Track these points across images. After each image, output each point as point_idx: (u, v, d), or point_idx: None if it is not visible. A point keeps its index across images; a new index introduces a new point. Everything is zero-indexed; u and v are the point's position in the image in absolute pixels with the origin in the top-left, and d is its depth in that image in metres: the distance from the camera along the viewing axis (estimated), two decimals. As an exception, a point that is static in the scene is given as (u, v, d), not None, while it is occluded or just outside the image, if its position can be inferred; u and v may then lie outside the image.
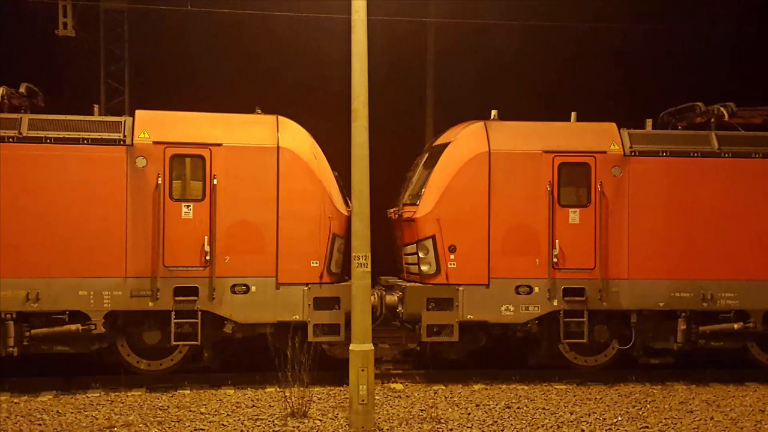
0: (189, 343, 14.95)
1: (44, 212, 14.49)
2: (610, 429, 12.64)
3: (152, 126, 15.00)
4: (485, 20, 21.91)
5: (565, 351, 15.95)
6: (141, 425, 12.51)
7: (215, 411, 13.38)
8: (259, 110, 15.87)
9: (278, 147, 15.14)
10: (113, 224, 14.64)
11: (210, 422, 12.70)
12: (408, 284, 15.63)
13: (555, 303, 15.53)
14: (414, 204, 15.72)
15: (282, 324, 14.96)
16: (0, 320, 14.42)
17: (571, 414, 13.42)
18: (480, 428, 12.54)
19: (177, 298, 14.75)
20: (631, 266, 15.62)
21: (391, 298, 15.71)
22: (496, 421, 12.90)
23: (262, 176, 15.05)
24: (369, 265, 12.45)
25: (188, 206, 14.90)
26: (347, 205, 15.22)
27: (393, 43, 23.00)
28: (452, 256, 15.39)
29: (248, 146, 15.10)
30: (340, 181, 15.61)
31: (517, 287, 15.49)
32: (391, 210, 16.68)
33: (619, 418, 13.18)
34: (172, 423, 12.64)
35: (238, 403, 13.93)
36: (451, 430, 12.44)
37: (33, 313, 14.53)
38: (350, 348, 12.44)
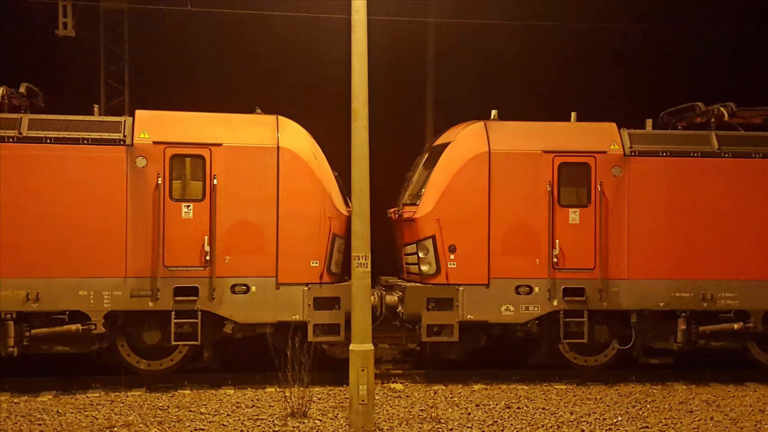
0: (189, 343, 14.95)
1: (44, 212, 14.49)
2: (610, 429, 12.64)
3: (152, 126, 15.00)
4: (485, 20, 21.91)
5: (565, 351, 15.96)
6: (141, 425, 12.51)
7: (215, 411, 13.38)
8: (259, 110, 15.87)
9: (278, 147, 15.14)
10: (113, 224, 14.64)
11: (210, 422, 12.70)
12: (408, 284, 15.63)
13: (555, 303, 15.53)
14: (414, 204, 15.72)
15: (282, 324, 14.96)
16: (0, 320, 14.42)
17: (571, 414, 13.42)
18: (480, 428, 12.54)
19: (177, 298, 14.75)
20: (631, 266, 15.62)
21: (391, 298, 15.71)
22: (496, 421, 12.91)
23: (262, 176, 15.05)
24: (369, 265, 12.45)
25: (188, 206, 14.90)
26: (347, 205, 15.22)
27: (393, 43, 23.00)
28: (452, 256, 15.39)
29: (248, 146, 15.10)
30: (340, 181, 15.61)
31: (517, 287, 15.49)
32: (391, 210, 16.68)
33: (619, 418, 13.18)
34: (172, 423, 12.64)
35: (238, 403, 13.93)
36: (451, 430, 12.44)
37: (33, 313, 14.53)
38: (350, 348, 12.44)
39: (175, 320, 14.75)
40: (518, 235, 15.48)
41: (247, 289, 14.96)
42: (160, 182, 14.76)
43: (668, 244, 15.69)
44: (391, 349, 17.52)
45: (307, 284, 15.10)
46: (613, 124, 16.14)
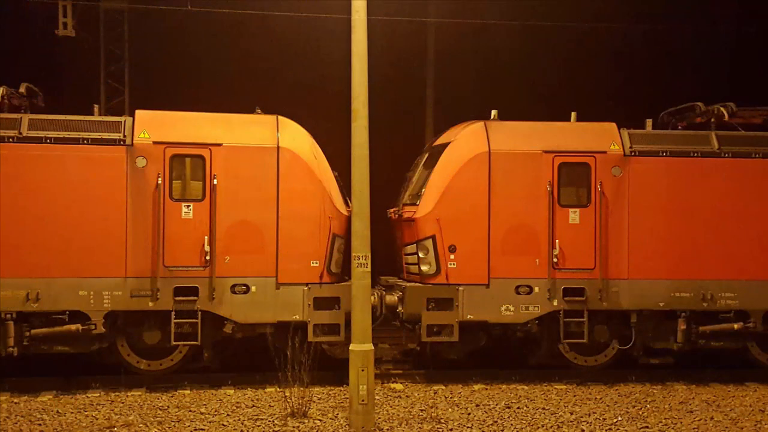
0: (189, 343, 14.95)
1: (44, 212, 14.48)
2: (610, 429, 12.64)
3: (152, 126, 15.00)
4: (485, 20, 21.92)
5: (565, 351, 15.95)
6: (141, 425, 12.52)
7: (215, 411, 13.38)
8: (259, 110, 15.87)
9: (278, 147, 15.14)
10: (113, 224, 14.64)
11: (210, 422, 12.70)
12: (408, 284, 15.63)
13: (555, 303, 15.53)
14: (414, 204, 15.72)
15: (282, 324, 14.96)
16: (0, 320, 14.42)
17: (571, 414, 13.42)
18: (480, 428, 12.54)
19: (177, 298, 14.74)
20: (631, 266, 15.62)
21: (391, 298, 15.71)
22: (496, 421, 12.91)
23: (262, 176, 15.05)
24: (369, 265, 12.45)
25: (188, 206, 14.90)
26: (347, 205, 15.22)
27: (393, 43, 23.00)
28: (452, 256, 15.38)
29: (248, 146, 15.10)
30: (340, 181, 15.61)
31: (517, 287, 15.48)
32: (391, 210, 16.68)
33: (619, 418, 13.18)
34: (172, 423, 12.64)
35: (238, 403, 13.93)
36: (451, 430, 12.44)
37: (33, 313, 14.53)
38: (350, 348, 12.44)
39: (175, 320, 14.75)
40: (518, 235, 15.48)
41: (247, 289, 14.96)
42: (160, 182, 14.76)
43: (668, 244, 15.69)
44: (391, 349, 17.52)
45: (307, 284, 15.10)
46: (613, 124, 16.13)
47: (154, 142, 14.87)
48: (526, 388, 15.32)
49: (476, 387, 15.31)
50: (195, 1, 19.81)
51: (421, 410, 13.55)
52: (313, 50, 23.66)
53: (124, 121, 15.04)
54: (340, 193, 15.50)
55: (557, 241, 15.49)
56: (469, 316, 15.41)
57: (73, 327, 14.53)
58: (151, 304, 14.73)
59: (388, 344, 17.68)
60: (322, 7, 20.07)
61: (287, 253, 15.02)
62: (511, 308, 15.48)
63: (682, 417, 13.34)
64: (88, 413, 13.15)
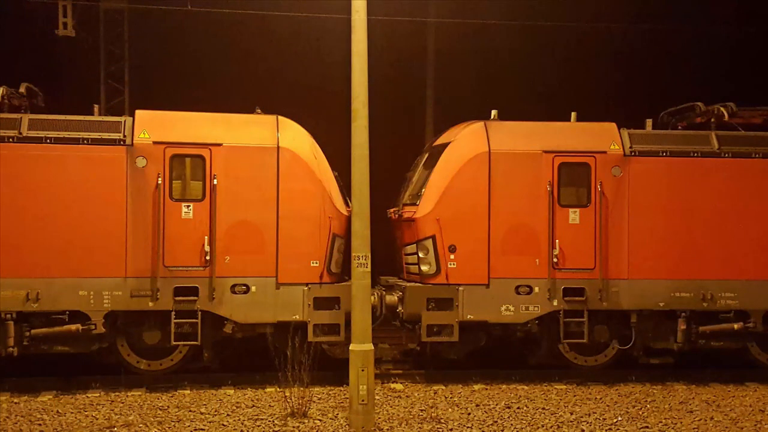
0: (189, 343, 14.95)
1: (44, 212, 14.48)
2: (610, 429, 12.64)
3: (152, 126, 15.01)
4: (485, 20, 21.92)
5: (565, 351, 15.96)
6: (141, 425, 12.52)
7: (215, 411, 13.38)
8: (259, 110, 15.87)
9: (278, 147, 15.15)
10: (113, 224, 14.64)
11: (210, 422, 12.70)
12: (408, 284, 15.63)
13: (555, 303, 15.53)
14: (414, 204, 15.73)
15: (282, 324, 14.96)
16: (0, 320, 14.42)
17: (571, 414, 13.42)
18: (480, 428, 12.54)
19: (177, 298, 14.75)
20: (631, 266, 15.62)
21: (391, 298, 15.71)
22: (496, 421, 12.91)
23: (262, 176, 15.05)
24: (369, 265, 12.45)
25: (188, 206, 14.90)
26: (347, 205, 15.22)
27: (393, 43, 23.01)
28: (452, 256, 15.39)
29: (248, 146, 15.10)
30: (340, 181, 15.61)
31: (517, 287, 15.48)
32: (391, 210, 16.69)
33: (619, 418, 13.18)
34: (172, 423, 12.64)
35: (238, 403, 13.93)
36: (451, 430, 12.44)
37: (33, 313, 14.53)
38: (350, 348, 12.44)
39: (175, 320, 14.75)
40: (518, 235, 15.48)
41: (247, 289, 14.97)
42: (160, 182, 14.76)
43: (668, 244, 15.69)
44: (391, 349, 17.53)
45: (307, 284, 15.10)
46: (613, 124, 16.14)
47: (154, 142, 14.87)
48: (526, 388, 15.33)
49: (476, 387, 15.31)
50: (195, 1, 19.81)
51: (421, 410, 13.55)
52: (313, 50, 23.67)
53: (124, 121, 15.05)
54: (340, 193, 15.50)
55: (557, 241, 15.49)
56: (469, 316, 15.41)
57: (73, 327, 14.53)
58: (151, 304, 14.74)
59: (388, 344, 17.69)
60: (322, 7, 20.07)
61: (287, 253, 15.03)
62: (511, 308, 15.48)
63: (682, 417, 13.34)
64: (88, 413, 13.16)
